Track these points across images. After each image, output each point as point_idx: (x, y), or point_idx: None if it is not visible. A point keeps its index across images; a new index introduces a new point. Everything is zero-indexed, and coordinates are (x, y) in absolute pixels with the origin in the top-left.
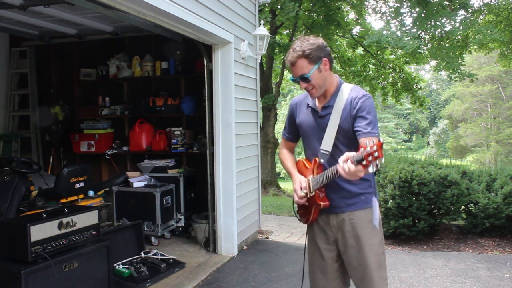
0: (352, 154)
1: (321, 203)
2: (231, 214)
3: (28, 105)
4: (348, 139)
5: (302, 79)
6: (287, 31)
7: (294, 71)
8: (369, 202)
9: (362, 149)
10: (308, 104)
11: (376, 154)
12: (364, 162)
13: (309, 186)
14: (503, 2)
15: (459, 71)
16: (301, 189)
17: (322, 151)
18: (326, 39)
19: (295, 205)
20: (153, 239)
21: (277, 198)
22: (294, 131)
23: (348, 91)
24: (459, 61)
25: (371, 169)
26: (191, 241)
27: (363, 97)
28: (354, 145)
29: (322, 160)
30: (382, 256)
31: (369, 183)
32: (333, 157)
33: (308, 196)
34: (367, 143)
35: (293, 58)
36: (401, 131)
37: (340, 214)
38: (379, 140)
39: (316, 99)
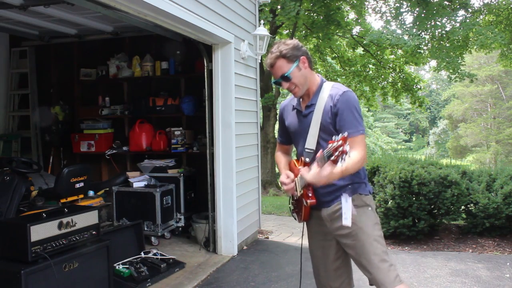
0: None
1: (308, 201)
2: (231, 214)
3: (28, 105)
4: (331, 136)
5: (283, 78)
6: (287, 31)
7: (275, 72)
8: (357, 189)
9: (330, 145)
10: (293, 106)
11: (341, 148)
12: (333, 158)
13: (297, 186)
14: (503, 2)
15: (459, 71)
16: (287, 177)
17: (306, 150)
18: (326, 39)
19: (291, 205)
20: (153, 239)
21: (277, 198)
22: (286, 134)
23: (329, 88)
24: (459, 61)
25: (339, 164)
26: (191, 241)
27: (343, 94)
28: None
29: (307, 159)
30: (381, 240)
31: (356, 174)
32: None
33: (298, 195)
34: (334, 138)
35: (271, 59)
36: (401, 131)
37: (331, 207)
38: (343, 135)
39: (301, 100)
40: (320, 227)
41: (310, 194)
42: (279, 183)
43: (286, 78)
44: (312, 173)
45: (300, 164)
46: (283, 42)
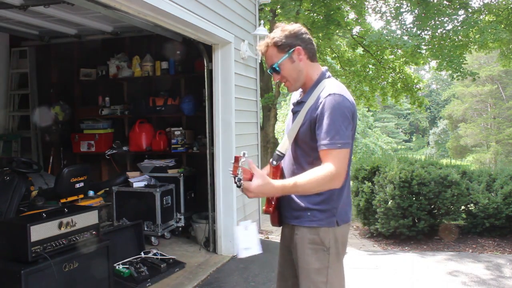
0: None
1: (265, 207)
2: (231, 214)
3: (28, 105)
4: (306, 144)
5: (272, 69)
6: None
7: (266, 61)
8: (316, 221)
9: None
10: (294, 98)
11: (231, 168)
12: (231, 175)
13: None
14: (503, 2)
15: (461, 69)
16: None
17: (277, 152)
18: (326, 39)
19: None
20: (153, 239)
21: None
22: None
23: (322, 88)
24: (461, 60)
25: (237, 185)
26: (191, 241)
27: (328, 96)
28: (313, 153)
29: (274, 162)
30: (322, 286)
31: (322, 198)
32: (293, 161)
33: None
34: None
35: (261, 46)
36: (401, 131)
37: (290, 225)
38: (242, 154)
39: (301, 93)
40: (281, 238)
41: (273, 202)
42: None
43: (274, 69)
44: (252, 181)
45: (270, 167)
46: (281, 27)
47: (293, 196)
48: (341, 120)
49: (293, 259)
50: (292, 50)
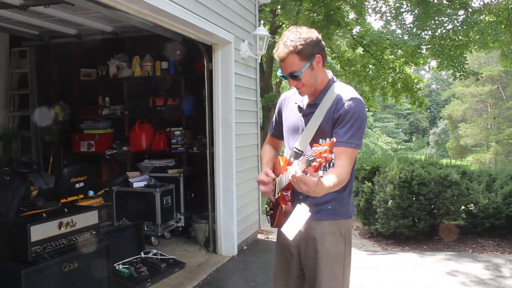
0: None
1: (283, 205)
2: (231, 214)
3: (28, 105)
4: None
5: (292, 77)
6: None
7: (284, 67)
8: (336, 214)
9: (314, 148)
10: (296, 100)
11: (325, 155)
12: (314, 163)
13: (275, 187)
14: (503, 3)
15: (463, 69)
16: (266, 175)
17: (294, 149)
18: (326, 39)
19: (266, 206)
20: (153, 239)
21: None
22: (280, 127)
23: (338, 91)
24: (462, 60)
25: (320, 172)
26: (191, 241)
27: (350, 100)
28: None
29: (292, 159)
30: (340, 277)
31: (339, 192)
32: None
33: (275, 197)
34: (321, 141)
35: (283, 53)
36: (401, 131)
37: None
38: (332, 140)
39: (309, 96)
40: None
41: (288, 199)
42: (257, 181)
43: (295, 77)
44: (295, 174)
45: (284, 163)
46: (299, 33)
47: None
48: (359, 123)
49: (298, 259)
50: (313, 58)
